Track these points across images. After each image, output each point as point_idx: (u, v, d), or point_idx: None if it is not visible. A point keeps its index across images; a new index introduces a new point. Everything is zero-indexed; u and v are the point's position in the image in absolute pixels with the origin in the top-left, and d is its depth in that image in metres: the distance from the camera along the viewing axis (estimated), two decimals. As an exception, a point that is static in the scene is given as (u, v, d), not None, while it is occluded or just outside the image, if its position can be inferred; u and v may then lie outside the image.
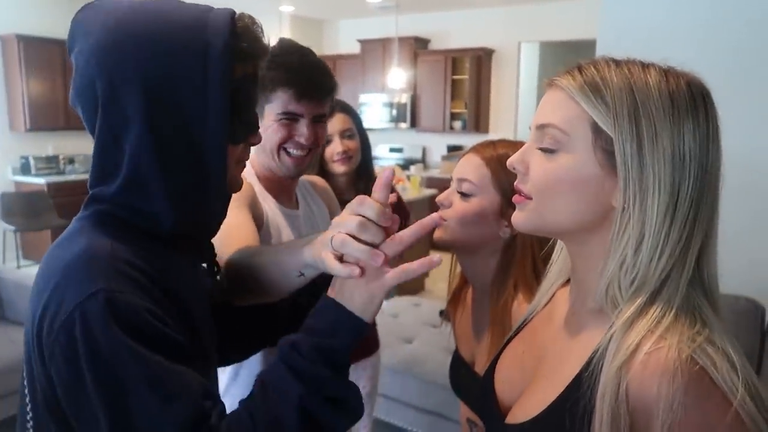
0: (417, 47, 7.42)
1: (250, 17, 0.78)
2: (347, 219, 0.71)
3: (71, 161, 6.47)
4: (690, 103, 0.65)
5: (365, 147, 2.00)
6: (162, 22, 0.73)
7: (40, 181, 6.04)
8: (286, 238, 1.31)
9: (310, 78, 1.24)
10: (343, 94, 8.01)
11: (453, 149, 7.42)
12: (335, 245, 0.71)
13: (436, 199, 1.11)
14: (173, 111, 0.72)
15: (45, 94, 6.18)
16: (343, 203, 1.66)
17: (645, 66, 0.68)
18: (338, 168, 1.88)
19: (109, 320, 0.64)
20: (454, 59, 7.21)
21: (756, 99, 2.47)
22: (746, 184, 2.39)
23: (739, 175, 2.42)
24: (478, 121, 7.24)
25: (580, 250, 0.74)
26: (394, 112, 7.63)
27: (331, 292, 0.73)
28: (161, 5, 0.75)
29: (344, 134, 1.90)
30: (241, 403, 0.71)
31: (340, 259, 0.72)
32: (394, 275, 0.70)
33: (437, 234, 1.08)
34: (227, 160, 0.76)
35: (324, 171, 1.90)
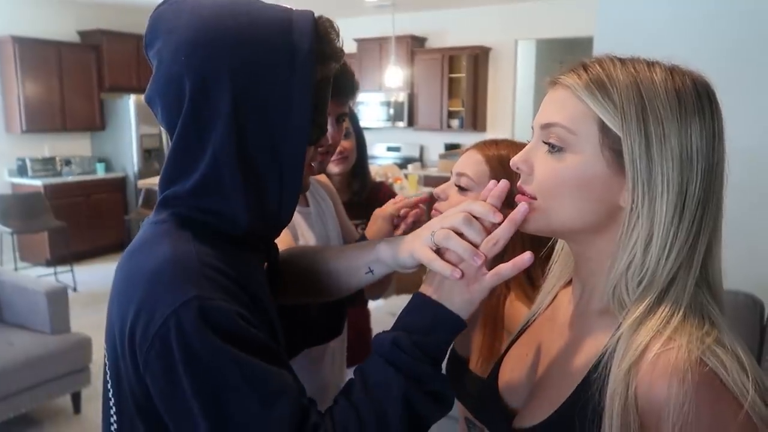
0: (414, 46, 7.41)
1: (329, 20, 0.80)
2: (453, 215, 0.70)
3: (68, 163, 6.45)
4: (696, 101, 0.64)
5: (361, 146, 1.97)
6: (250, 21, 0.73)
7: (37, 183, 6.03)
8: (302, 234, 1.35)
9: (338, 79, 1.28)
10: (340, 93, 7.77)
11: (450, 147, 7.42)
12: (438, 239, 0.70)
13: (433, 191, 1.11)
14: (259, 111, 0.73)
15: (41, 95, 6.16)
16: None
17: (650, 64, 0.67)
18: (333, 168, 1.86)
19: (204, 327, 0.65)
20: (451, 57, 7.21)
21: (755, 95, 2.47)
22: (745, 180, 2.38)
23: (739, 170, 2.43)
24: (476, 120, 7.24)
25: (584, 250, 0.72)
26: (392, 110, 7.62)
27: (427, 290, 0.73)
28: (243, 4, 0.75)
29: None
30: (341, 397, 0.72)
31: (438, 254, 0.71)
32: (492, 278, 0.69)
33: None
34: (305, 161, 0.77)
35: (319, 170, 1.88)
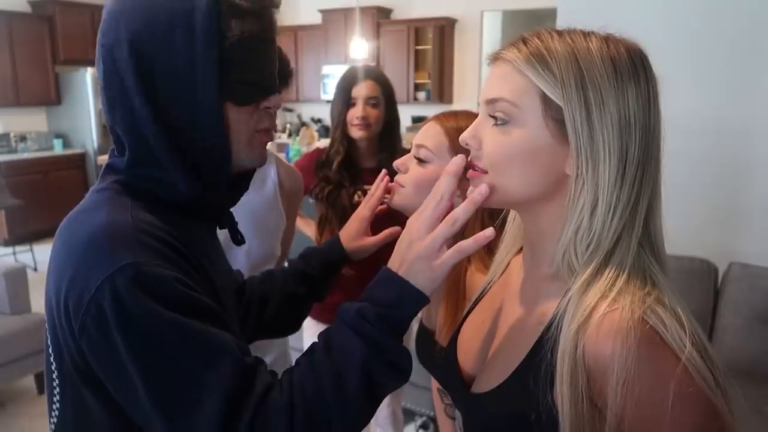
0: (379, 17, 7.32)
1: None
2: None
3: (23, 139, 6.23)
4: (631, 68, 0.67)
5: (392, 119, 2.04)
6: None
7: (-9, 160, 5.82)
8: None
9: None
10: (305, 65, 7.88)
11: (417, 120, 7.40)
12: None
13: (393, 164, 1.11)
14: (166, 78, 0.72)
15: (-9, 68, 5.90)
16: (363, 170, 1.90)
17: (586, 34, 0.69)
18: (356, 133, 1.94)
19: (138, 292, 0.65)
20: (416, 29, 7.15)
21: (717, 64, 2.52)
22: (701, 148, 2.46)
23: (695, 139, 2.49)
24: (442, 92, 7.23)
25: (534, 218, 0.75)
26: (358, 83, 7.53)
27: (393, 265, 0.74)
28: None
29: (369, 101, 1.94)
30: (303, 358, 0.73)
31: None
32: (451, 254, 0.70)
33: (392, 199, 1.09)
34: (224, 120, 0.74)
35: (346, 134, 1.95)
